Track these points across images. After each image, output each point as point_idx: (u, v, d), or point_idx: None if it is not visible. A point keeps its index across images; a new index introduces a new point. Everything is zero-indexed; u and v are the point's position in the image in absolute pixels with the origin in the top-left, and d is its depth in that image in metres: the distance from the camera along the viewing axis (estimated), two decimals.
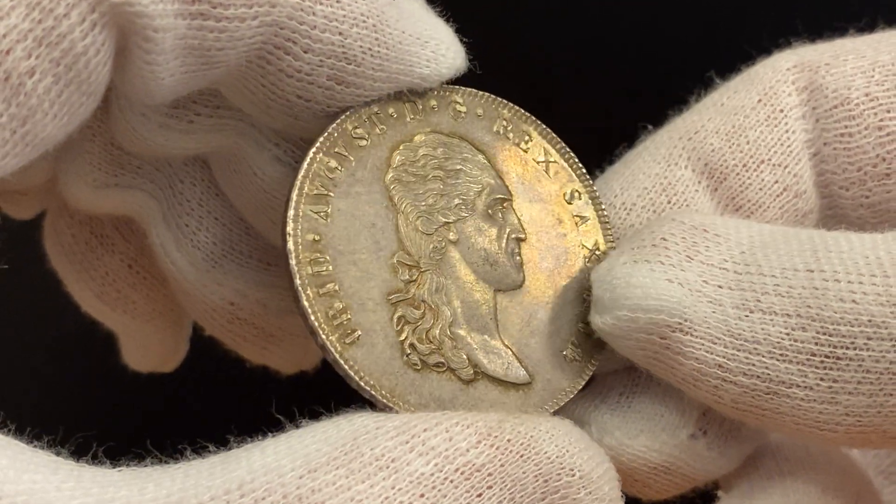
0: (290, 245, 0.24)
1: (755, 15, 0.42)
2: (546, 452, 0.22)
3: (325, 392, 0.24)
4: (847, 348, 0.23)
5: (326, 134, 0.25)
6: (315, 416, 0.22)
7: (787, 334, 0.23)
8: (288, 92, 0.25)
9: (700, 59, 0.32)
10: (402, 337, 0.24)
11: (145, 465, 0.21)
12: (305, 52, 0.24)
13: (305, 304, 0.23)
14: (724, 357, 0.24)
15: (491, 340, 0.25)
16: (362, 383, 0.23)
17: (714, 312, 0.24)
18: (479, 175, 0.26)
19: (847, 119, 0.27)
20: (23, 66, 0.20)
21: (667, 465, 0.26)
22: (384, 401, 0.24)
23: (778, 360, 0.23)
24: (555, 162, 0.27)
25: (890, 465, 0.31)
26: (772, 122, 0.27)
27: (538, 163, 0.27)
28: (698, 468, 0.26)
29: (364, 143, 0.25)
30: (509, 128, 0.27)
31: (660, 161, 0.27)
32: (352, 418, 0.22)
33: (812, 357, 0.23)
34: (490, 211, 0.26)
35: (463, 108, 0.27)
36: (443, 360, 0.25)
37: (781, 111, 0.27)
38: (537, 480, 0.22)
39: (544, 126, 0.28)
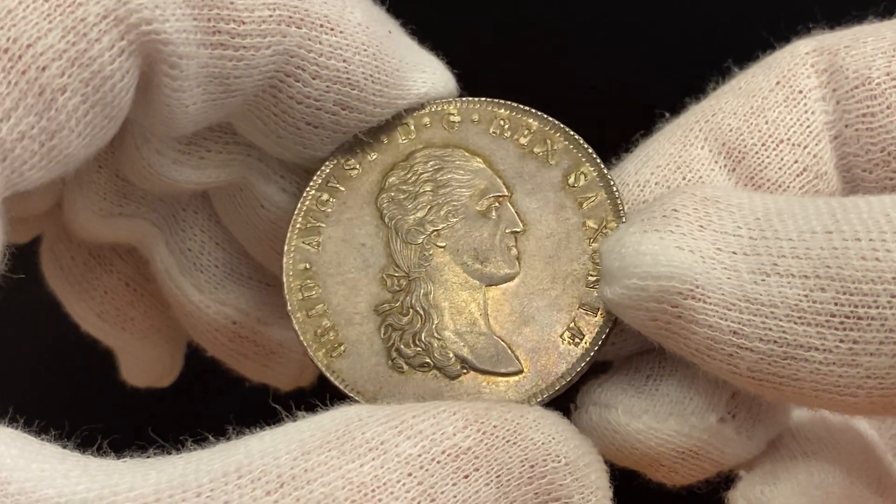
0: (284, 277, 0.26)
1: (772, 7, 0.41)
2: (532, 439, 0.23)
3: (322, 387, 0.25)
4: (869, 307, 0.22)
5: (319, 172, 0.27)
6: (311, 409, 0.23)
7: (806, 296, 0.22)
8: (298, 119, 0.26)
9: (718, 46, 0.31)
10: (389, 343, 0.26)
11: (148, 456, 0.21)
12: (314, 79, 0.25)
13: (296, 326, 0.26)
14: (739, 323, 0.23)
15: (479, 336, 0.26)
16: (346, 390, 0.25)
17: (729, 279, 0.23)
18: (471, 179, 0.27)
19: (869, 99, 0.26)
20: (56, 83, 0.22)
21: (696, 450, 0.25)
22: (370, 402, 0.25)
23: (796, 322, 0.23)
24: (557, 149, 0.27)
25: None
26: (790, 102, 0.27)
27: (537, 154, 0.27)
28: (727, 452, 0.26)
29: (356, 172, 0.27)
30: (506, 126, 0.28)
31: (675, 142, 0.27)
32: (346, 409, 0.23)
33: (832, 318, 0.22)
34: (484, 211, 0.27)
35: (457, 118, 0.28)
36: (428, 361, 0.25)
37: (800, 92, 0.27)
38: (523, 465, 0.22)
39: (544, 115, 0.28)
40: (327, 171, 0.27)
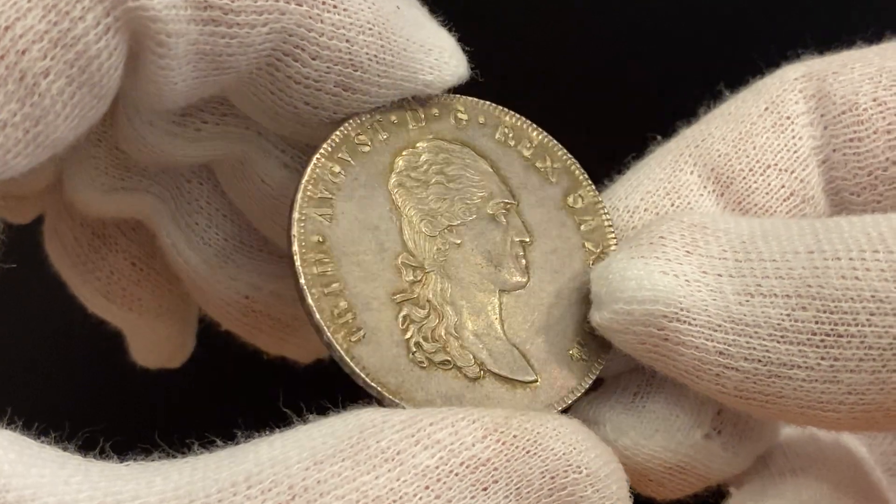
0: (296, 246, 0.24)
1: (765, 29, 0.42)
2: (553, 449, 0.22)
3: (333, 388, 0.24)
4: (849, 325, 0.22)
5: (330, 139, 0.25)
6: (322, 411, 0.22)
7: (788, 315, 0.23)
8: (296, 99, 0.25)
9: (709, 71, 0.32)
10: (408, 335, 0.24)
11: (153, 460, 0.21)
12: (314, 59, 0.24)
13: (311, 302, 0.24)
14: (724, 343, 0.23)
15: (496, 340, 0.25)
16: (369, 380, 0.23)
17: (715, 300, 0.23)
18: (481, 180, 0.26)
19: (856, 124, 0.27)
20: (38, 67, 0.20)
21: (682, 465, 0.26)
22: (390, 398, 0.23)
23: (779, 341, 0.23)
24: (557, 167, 0.27)
25: None
26: (778, 128, 0.27)
27: (540, 168, 0.27)
28: (713, 468, 0.26)
29: (367, 148, 0.26)
30: (511, 135, 0.27)
31: (665, 167, 0.27)
32: (358, 413, 0.21)
33: (812, 336, 0.23)
34: (494, 215, 0.26)
35: (465, 116, 0.27)
36: (448, 359, 0.24)
37: (788, 118, 0.27)
38: (544, 477, 0.22)
39: (545, 133, 0.28)
40: (337, 140, 0.25)
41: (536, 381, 0.25)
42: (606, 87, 0.43)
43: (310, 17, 0.24)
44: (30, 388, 0.46)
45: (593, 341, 0.26)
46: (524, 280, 0.26)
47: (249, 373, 0.33)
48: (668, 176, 0.27)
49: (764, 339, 0.23)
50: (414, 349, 0.24)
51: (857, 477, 0.28)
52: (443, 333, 0.24)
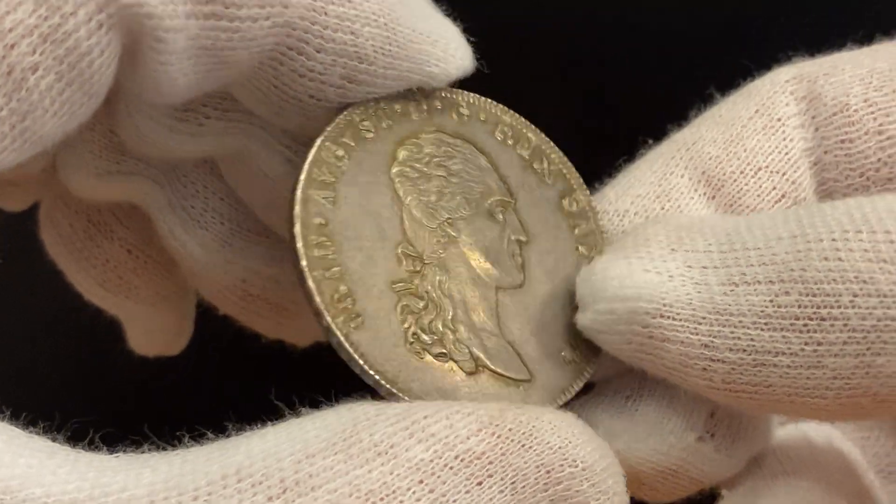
0: (297, 227, 0.23)
1: (754, 35, 0.42)
2: (548, 443, 0.21)
3: (326, 381, 0.23)
4: (832, 307, 0.22)
5: (335, 124, 0.25)
6: (315, 405, 0.21)
7: (771, 301, 0.22)
8: (300, 92, 0.24)
9: (704, 71, 0.32)
10: (406, 325, 0.23)
11: (143, 452, 0.20)
12: (318, 52, 0.23)
13: (311, 285, 0.23)
14: (709, 336, 0.23)
15: (491, 336, 0.25)
16: (366, 367, 0.23)
17: (699, 293, 0.23)
18: (481, 176, 0.26)
19: (847, 125, 0.26)
20: (26, 62, 0.20)
21: (675, 469, 0.25)
22: (388, 387, 0.23)
23: (762, 329, 0.22)
24: (553, 170, 0.27)
25: (889, 464, 0.30)
26: (769, 130, 0.27)
27: (537, 170, 0.27)
28: (706, 471, 0.26)
29: (370, 135, 0.25)
30: (509, 134, 0.27)
31: (656, 170, 0.27)
32: (352, 406, 0.21)
33: (795, 321, 0.22)
34: (492, 211, 0.26)
35: (466, 112, 0.27)
36: (445, 352, 0.24)
37: (779, 120, 0.27)
38: (539, 470, 0.21)
39: (543, 135, 0.27)
40: (342, 124, 0.25)
41: (530, 380, 0.25)
42: (599, 89, 0.43)
43: (314, 10, 0.23)
44: (18, 377, 0.45)
45: (584, 344, 0.25)
46: (520, 278, 0.25)
47: (242, 365, 0.33)
48: (658, 179, 0.27)
49: (748, 328, 0.23)
50: (411, 340, 0.23)
51: (850, 479, 0.28)
52: (440, 326, 0.24)
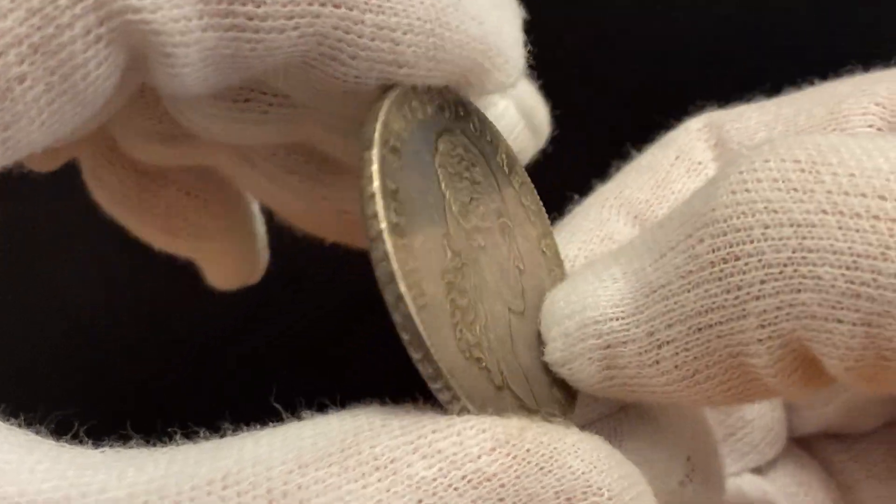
0: (377, 185, 0.21)
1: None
2: (570, 466, 0.20)
3: (333, 384, 0.22)
4: (743, 243, 0.20)
5: (396, 93, 0.23)
6: (322, 409, 0.20)
7: (689, 256, 0.21)
8: (333, 90, 0.23)
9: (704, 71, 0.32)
10: (455, 319, 0.21)
11: (130, 447, 0.19)
12: (353, 59, 0.22)
13: (389, 248, 0.20)
14: (649, 320, 0.21)
15: (509, 355, 0.23)
16: (433, 352, 0.20)
17: (638, 280, 0.22)
18: (493, 192, 0.25)
19: None
20: (13, 72, 0.19)
21: None
22: (448, 378, 0.21)
23: (688, 290, 0.21)
24: (534, 209, 0.26)
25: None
26: (692, 173, 0.27)
27: (524, 205, 0.26)
28: None
29: (421, 116, 0.23)
30: (506, 161, 0.26)
31: (593, 218, 0.27)
32: (357, 413, 0.20)
33: (712, 269, 0.20)
34: (503, 231, 0.24)
35: (479, 126, 0.25)
36: (482, 357, 0.22)
37: (699, 163, 0.27)
38: (558, 497, 0.19)
39: (528, 177, 0.26)
40: (401, 97, 0.23)
41: (538, 411, 0.22)
42: (583, 94, 0.42)
43: (348, 20, 0.21)
44: (18, 377, 0.45)
45: (563, 386, 0.24)
46: (522, 306, 0.24)
47: (243, 363, 0.32)
48: (596, 226, 0.27)
49: (677, 295, 0.21)
50: (459, 336, 0.21)
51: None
52: (478, 330, 0.22)
